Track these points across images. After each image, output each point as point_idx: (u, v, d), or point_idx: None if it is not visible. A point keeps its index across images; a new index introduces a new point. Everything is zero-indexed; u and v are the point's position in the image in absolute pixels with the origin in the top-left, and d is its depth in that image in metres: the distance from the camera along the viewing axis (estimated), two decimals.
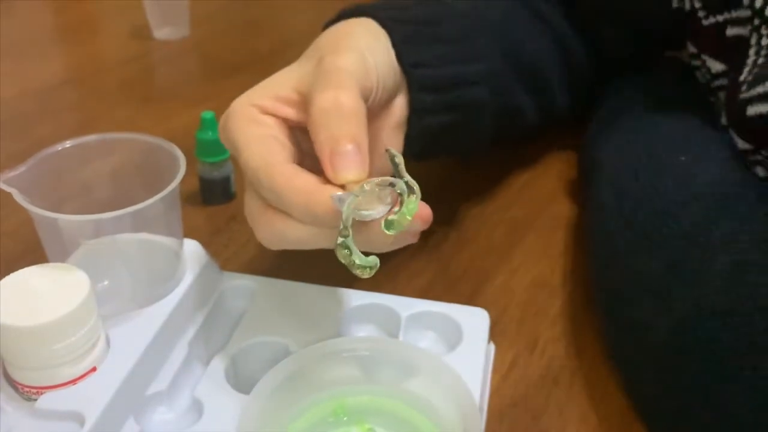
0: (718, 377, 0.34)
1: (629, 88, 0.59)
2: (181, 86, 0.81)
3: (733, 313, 0.34)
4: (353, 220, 0.32)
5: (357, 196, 0.32)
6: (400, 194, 0.32)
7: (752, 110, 0.45)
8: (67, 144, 0.39)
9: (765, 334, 0.33)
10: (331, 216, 0.33)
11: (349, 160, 0.33)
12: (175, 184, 0.37)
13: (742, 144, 0.46)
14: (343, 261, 0.33)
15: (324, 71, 0.36)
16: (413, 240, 0.35)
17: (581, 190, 0.58)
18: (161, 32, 0.89)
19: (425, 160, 0.48)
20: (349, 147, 0.34)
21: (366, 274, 0.33)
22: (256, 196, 0.36)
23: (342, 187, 0.33)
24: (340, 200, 0.32)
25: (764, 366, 0.32)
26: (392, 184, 0.32)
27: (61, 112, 0.74)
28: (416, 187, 0.33)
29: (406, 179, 0.33)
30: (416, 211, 0.32)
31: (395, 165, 0.34)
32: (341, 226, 0.32)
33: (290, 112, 0.37)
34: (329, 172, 0.34)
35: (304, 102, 0.36)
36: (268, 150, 0.35)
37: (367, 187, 0.32)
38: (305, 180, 0.34)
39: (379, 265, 0.33)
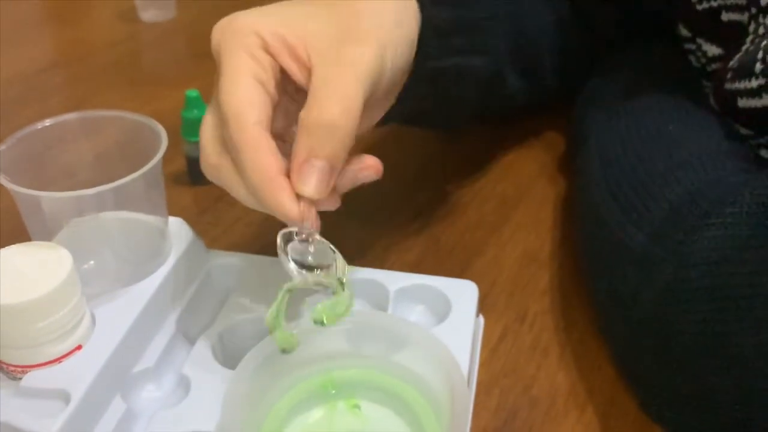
0: (701, 348, 0.34)
1: (619, 62, 0.58)
2: (168, 67, 0.81)
3: (716, 287, 0.34)
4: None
5: (289, 291, 0.35)
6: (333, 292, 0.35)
7: (742, 103, 0.44)
8: (47, 122, 0.39)
9: (748, 306, 0.33)
10: (273, 209, 0.34)
11: (316, 176, 0.34)
12: (156, 159, 0.37)
13: (742, 130, 0.46)
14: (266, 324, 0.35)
15: (336, 74, 0.35)
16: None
17: (570, 163, 0.57)
18: (147, 14, 0.88)
19: (410, 124, 0.48)
20: (323, 164, 0.34)
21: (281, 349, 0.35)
22: (217, 124, 0.36)
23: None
24: (281, 248, 0.35)
25: (745, 338, 0.32)
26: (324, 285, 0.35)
27: (49, 96, 0.73)
28: (348, 290, 0.35)
29: (339, 277, 0.35)
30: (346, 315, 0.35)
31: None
32: (274, 310, 0.34)
33: (292, 67, 0.36)
34: (293, 176, 0.34)
35: (308, 64, 0.35)
36: (249, 100, 0.34)
37: (298, 284, 0.35)
38: (268, 161, 0.34)
39: (296, 348, 0.35)
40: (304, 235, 0.35)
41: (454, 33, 0.45)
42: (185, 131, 0.54)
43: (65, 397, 0.33)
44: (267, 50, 0.36)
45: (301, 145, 0.34)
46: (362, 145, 0.39)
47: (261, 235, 0.52)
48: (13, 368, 0.34)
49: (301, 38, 0.36)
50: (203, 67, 0.77)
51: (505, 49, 0.51)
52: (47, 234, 0.38)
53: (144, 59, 0.85)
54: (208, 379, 0.36)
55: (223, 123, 0.35)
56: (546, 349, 0.43)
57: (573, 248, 0.50)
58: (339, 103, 0.34)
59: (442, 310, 0.42)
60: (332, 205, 0.37)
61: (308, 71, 0.36)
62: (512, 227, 0.53)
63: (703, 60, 0.51)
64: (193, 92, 0.53)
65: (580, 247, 0.47)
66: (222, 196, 0.56)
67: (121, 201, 0.38)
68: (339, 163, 0.35)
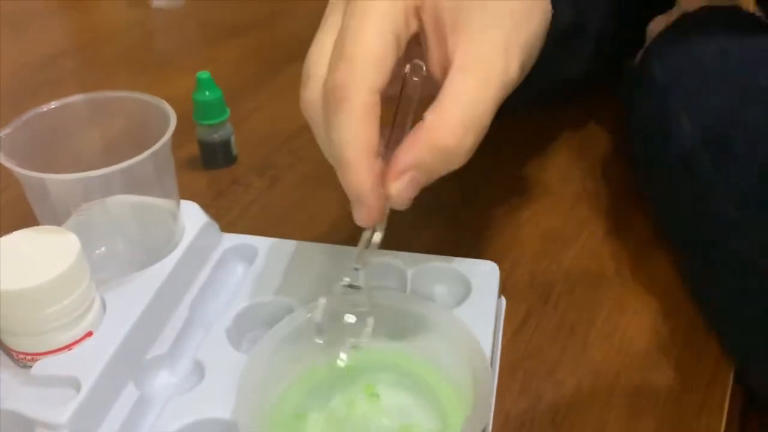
0: None
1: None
2: (179, 52, 0.79)
3: None
4: None
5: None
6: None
7: None
8: (53, 105, 0.38)
9: None
10: (351, 187, 0.32)
11: (412, 189, 0.32)
12: (165, 139, 0.36)
13: None
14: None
15: (475, 87, 0.31)
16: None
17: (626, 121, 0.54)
18: (158, 0, 0.87)
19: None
20: (423, 181, 0.32)
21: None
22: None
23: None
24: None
25: None
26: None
27: (61, 82, 0.72)
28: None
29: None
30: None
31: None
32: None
33: (432, 40, 0.33)
34: (390, 173, 0.32)
35: (447, 44, 0.32)
36: (377, 56, 0.30)
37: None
38: (367, 137, 0.31)
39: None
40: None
41: None
42: (197, 114, 0.53)
43: (76, 385, 0.32)
44: (417, 12, 0.32)
45: (413, 154, 0.31)
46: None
47: (276, 218, 0.51)
48: (23, 356, 0.33)
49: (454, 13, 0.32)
50: (214, 53, 0.76)
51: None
52: (56, 220, 0.37)
53: (155, 45, 0.84)
54: (223, 365, 0.35)
55: (337, 60, 0.31)
56: (571, 331, 0.42)
57: (595, 228, 0.49)
58: (470, 131, 0.31)
59: (462, 292, 0.41)
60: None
61: (444, 50, 0.32)
62: (533, 207, 0.52)
63: None
64: (204, 74, 0.52)
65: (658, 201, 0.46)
66: (237, 179, 0.55)
67: (130, 184, 0.37)
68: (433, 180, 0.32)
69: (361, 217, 0.32)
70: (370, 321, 0.33)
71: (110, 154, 0.39)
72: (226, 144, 0.55)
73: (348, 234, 0.49)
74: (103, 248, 0.40)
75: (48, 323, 0.33)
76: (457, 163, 0.32)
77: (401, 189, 0.31)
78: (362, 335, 0.33)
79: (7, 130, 0.36)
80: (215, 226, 0.43)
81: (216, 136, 0.54)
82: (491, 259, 0.42)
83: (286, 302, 0.39)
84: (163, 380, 0.36)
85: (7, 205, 0.52)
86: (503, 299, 0.42)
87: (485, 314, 0.38)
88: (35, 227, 0.35)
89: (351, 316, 0.33)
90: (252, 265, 0.42)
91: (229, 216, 0.51)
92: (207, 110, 0.53)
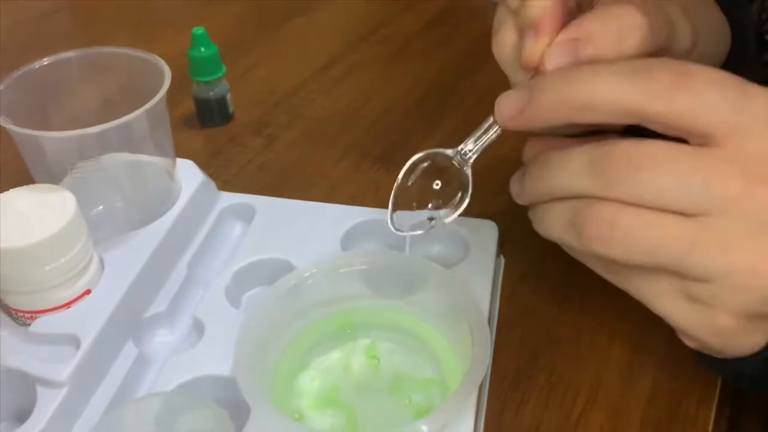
0: None
1: None
2: (174, 10, 0.78)
3: None
4: None
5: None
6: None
7: None
8: (45, 61, 0.37)
9: None
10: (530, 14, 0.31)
11: (567, 60, 0.30)
12: (160, 95, 0.35)
13: None
14: None
15: None
16: None
17: None
18: None
19: None
20: (584, 55, 0.30)
21: None
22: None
23: None
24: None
25: None
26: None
27: (56, 40, 0.71)
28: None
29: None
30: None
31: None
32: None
33: None
34: (559, 37, 0.30)
35: None
36: None
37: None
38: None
39: None
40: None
41: None
42: (193, 71, 0.52)
43: (75, 343, 0.32)
44: None
45: (586, 25, 0.29)
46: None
47: (274, 176, 0.50)
48: (21, 314, 0.34)
49: None
50: (210, 10, 0.75)
51: None
52: (52, 179, 0.37)
53: (151, 2, 0.82)
54: (222, 323, 0.36)
55: None
56: (569, 290, 0.42)
57: None
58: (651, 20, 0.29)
59: (461, 251, 0.41)
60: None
61: None
62: None
63: None
64: (199, 30, 0.51)
65: None
66: (234, 137, 0.55)
67: (126, 141, 0.36)
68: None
69: (527, 45, 0.31)
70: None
71: (106, 112, 0.39)
72: (222, 101, 0.54)
73: (346, 193, 0.49)
74: (101, 207, 0.40)
75: (46, 281, 0.32)
76: (627, 50, 0.29)
77: (558, 58, 0.30)
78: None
79: (0, 86, 0.35)
80: (212, 185, 0.43)
81: (212, 93, 0.54)
82: (491, 219, 0.42)
83: (285, 261, 0.39)
84: (162, 338, 0.37)
85: (4, 164, 0.51)
86: (502, 258, 0.42)
87: (483, 273, 0.38)
88: (31, 185, 0.35)
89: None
90: (250, 223, 0.42)
91: (226, 175, 0.51)
92: (202, 66, 0.52)
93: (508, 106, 0.31)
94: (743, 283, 0.27)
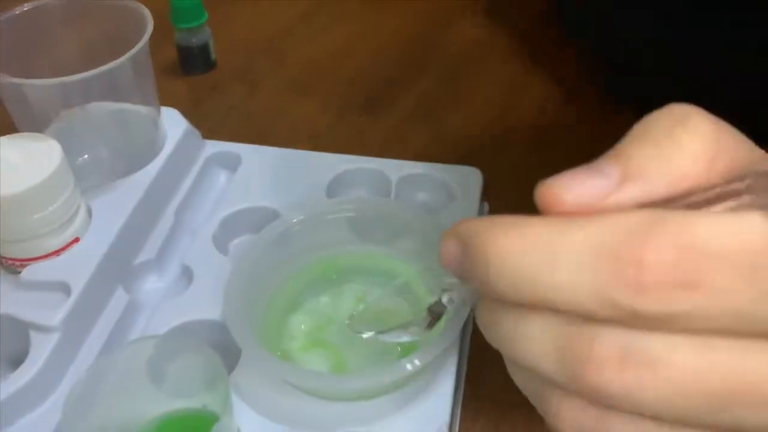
0: None
1: None
2: None
3: None
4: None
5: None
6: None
7: None
8: (26, 7, 0.37)
9: None
10: None
11: None
12: (142, 42, 0.35)
13: None
14: None
15: None
16: None
17: None
18: None
19: None
20: None
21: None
22: None
23: None
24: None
25: None
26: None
27: None
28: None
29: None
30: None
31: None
32: None
33: None
34: None
35: None
36: None
37: None
38: None
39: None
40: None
41: None
42: (175, 17, 0.52)
43: (66, 289, 0.33)
44: None
45: None
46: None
47: (258, 124, 0.50)
48: (11, 262, 0.34)
49: None
50: None
51: None
52: (37, 128, 0.36)
53: None
54: (211, 269, 0.36)
55: None
56: None
57: (582, 131, 0.49)
58: None
59: (446, 197, 0.41)
60: None
61: None
62: (518, 113, 0.52)
63: None
64: None
65: None
66: (216, 84, 0.54)
67: (110, 90, 0.36)
68: None
69: None
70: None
71: (88, 60, 0.38)
72: (204, 48, 0.54)
73: (331, 141, 0.49)
74: (86, 156, 0.40)
75: (36, 229, 0.33)
76: None
77: None
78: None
79: None
80: (196, 133, 0.43)
81: (195, 40, 0.53)
82: (476, 165, 0.42)
83: (271, 208, 0.39)
84: (151, 285, 0.37)
85: None
86: (486, 204, 0.42)
87: (467, 218, 0.39)
88: (16, 134, 0.35)
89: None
90: (235, 172, 0.42)
91: (209, 123, 0.51)
92: (185, 13, 0.51)
93: None
94: None
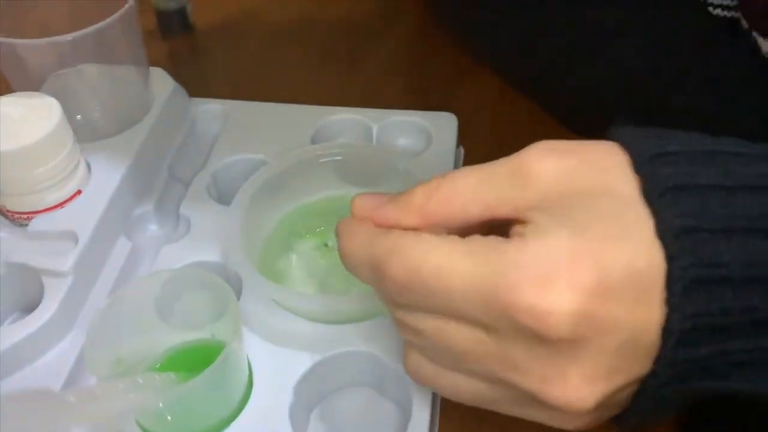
0: None
1: None
2: None
3: None
4: None
5: None
6: None
7: None
8: None
9: None
10: None
11: None
12: (130, 3, 0.37)
13: None
14: None
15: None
16: None
17: None
18: None
19: None
20: None
21: None
22: None
23: None
24: None
25: None
26: None
27: None
28: None
29: None
30: None
31: None
32: None
33: None
34: None
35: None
36: None
37: None
38: None
39: None
40: None
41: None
42: None
43: (73, 238, 0.35)
44: None
45: None
46: None
47: (239, 81, 0.52)
48: (18, 215, 0.36)
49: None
50: None
51: None
52: (32, 88, 0.38)
53: None
54: (206, 216, 0.38)
55: None
56: None
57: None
58: None
59: (423, 143, 0.44)
60: None
61: None
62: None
63: None
64: None
65: None
66: (195, 45, 0.56)
67: (101, 50, 0.38)
68: None
69: None
70: None
71: (76, 23, 0.40)
72: (182, 11, 0.55)
73: (312, 93, 0.51)
74: (79, 116, 0.41)
75: (41, 182, 0.35)
76: None
77: None
78: None
79: None
80: (183, 91, 0.45)
81: (172, 4, 0.54)
82: (452, 110, 0.44)
83: (259, 158, 0.41)
84: (152, 233, 0.39)
85: None
86: (461, 148, 0.45)
87: (444, 162, 0.41)
88: (15, 93, 0.36)
89: None
90: (222, 126, 0.44)
91: (192, 83, 0.52)
92: None
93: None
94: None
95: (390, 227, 0.26)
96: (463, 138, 0.44)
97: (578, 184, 0.24)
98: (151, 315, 0.32)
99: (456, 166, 0.43)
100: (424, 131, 0.44)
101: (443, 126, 0.44)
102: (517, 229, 0.24)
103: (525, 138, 0.47)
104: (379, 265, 0.25)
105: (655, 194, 0.22)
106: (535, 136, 0.48)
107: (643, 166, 0.23)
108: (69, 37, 0.35)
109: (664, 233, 0.22)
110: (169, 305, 0.32)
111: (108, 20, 0.36)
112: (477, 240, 0.24)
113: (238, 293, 0.34)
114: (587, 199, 0.23)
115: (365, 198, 0.28)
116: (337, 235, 0.28)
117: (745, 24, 0.38)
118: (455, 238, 0.24)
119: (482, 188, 0.25)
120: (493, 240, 0.23)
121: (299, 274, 0.37)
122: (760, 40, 0.38)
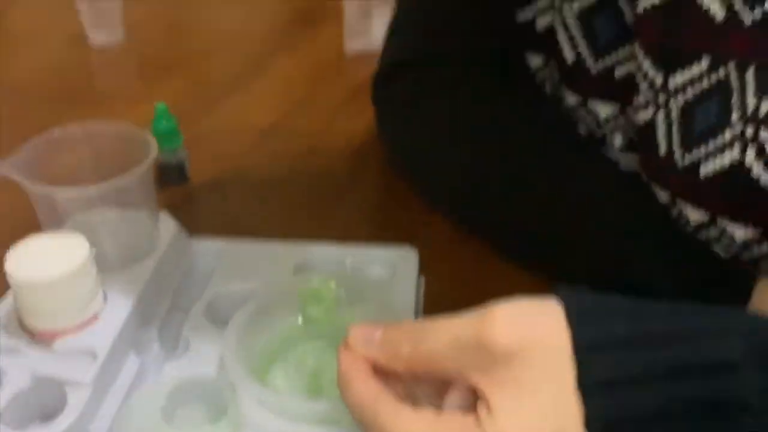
0: None
1: None
2: (123, 89, 0.87)
3: None
4: None
5: None
6: None
7: (707, 170, 0.40)
8: (56, 133, 0.46)
9: None
10: None
11: None
12: (150, 160, 0.45)
13: (694, 215, 0.43)
14: None
15: None
16: None
17: None
18: (96, 36, 0.93)
19: None
20: None
21: None
22: None
23: None
24: None
25: None
26: None
27: (10, 120, 0.78)
28: None
29: None
30: None
31: None
32: None
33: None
34: None
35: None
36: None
37: None
38: None
39: None
40: None
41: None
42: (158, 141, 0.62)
43: (93, 354, 0.41)
44: None
45: None
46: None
47: (231, 223, 0.60)
48: (43, 335, 0.42)
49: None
50: (161, 86, 0.84)
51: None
52: (57, 225, 0.45)
53: (98, 83, 0.91)
54: (204, 337, 0.45)
55: None
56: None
57: None
58: None
59: (390, 273, 0.51)
60: None
61: None
62: None
63: (595, 123, 0.53)
64: (161, 105, 0.61)
65: None
66: (190, 195, 0.64)
67: (120, 197, 0.46)
68: None
69: None
70: None
71: (100, 175, 0.47)
72: (181, 165, 0.64)
73: (297, 231, 0.58)
74: (96, 250, 0.48)
75: (67, 308, 0.41)
76: None
77: None
78: None
79: (20, 154, 0.44)
80: (184, 232, 0.52)
81: (174, 159, 0.63)
82: (414, 245, 0.52)
83: (250, 288, 0.48)
84: (156, 352, 0.45)
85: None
86: (422, 277, 0.52)
87: (406, 291, 0.49)
88: (48, 232, 0.43)
89: None
90: (218, 262, 0.51)
91: (190, 226, 0.60)
92: (164, 138, 0.62)
93: None
94: None
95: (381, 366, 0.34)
96: (423, 269, 0.52)
97: (525, 353, 0.31)
98: (158, 421, 0.38)
99: (417, 294, 0.50)
100: (390, 263, 0.52)
101: (406, 258, 0.52)
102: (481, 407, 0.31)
103: (478, 268, 0.55)
104: (366, 429, 0.33)
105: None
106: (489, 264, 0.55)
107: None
108: (96, 188, 0.43)
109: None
110: (172, 414, 0.38)
111: (129, 175, 0.44)
112: (450, 419, 0.32)
113: (233, 401, 0.40)
114: (527, 360, 0.31)
115: (359, 331, 0.35)
116: (338, 366, 0.35)
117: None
118: (429, 415, 0.32)
119: (454, 355, 0.32)
120: (459, 419, 0.32)
121: (289, 383, 0.43)
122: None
